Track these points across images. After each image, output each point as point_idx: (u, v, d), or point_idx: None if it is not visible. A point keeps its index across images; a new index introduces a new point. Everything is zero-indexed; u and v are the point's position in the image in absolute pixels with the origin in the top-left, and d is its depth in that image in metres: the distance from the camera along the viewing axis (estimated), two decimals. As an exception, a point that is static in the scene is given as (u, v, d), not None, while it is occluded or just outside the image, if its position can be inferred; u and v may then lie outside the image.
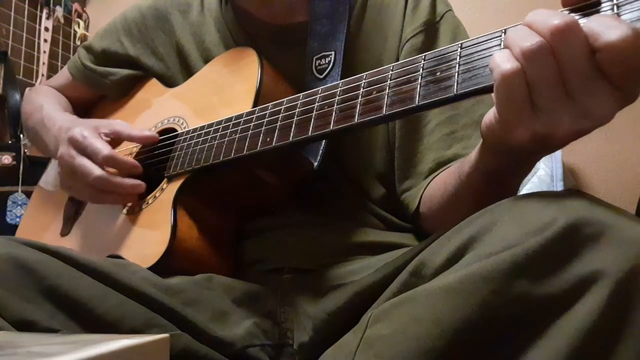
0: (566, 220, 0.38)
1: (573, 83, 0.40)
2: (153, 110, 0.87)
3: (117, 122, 0.79)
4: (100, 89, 0.96)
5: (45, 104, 0.92)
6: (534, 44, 0.40)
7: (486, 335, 0.38)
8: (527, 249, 0.38)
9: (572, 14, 0.43)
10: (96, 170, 0.72)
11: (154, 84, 0.90)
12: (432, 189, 0.70)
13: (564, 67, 0.40)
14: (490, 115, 0.48)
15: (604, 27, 0.39)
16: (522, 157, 0.52)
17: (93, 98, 0.99)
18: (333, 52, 0.75)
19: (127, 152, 0.85)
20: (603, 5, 0.42)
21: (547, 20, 0.40)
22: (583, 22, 0.41)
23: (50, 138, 0.85)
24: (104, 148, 0.73)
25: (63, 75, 1.00)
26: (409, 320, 0.41)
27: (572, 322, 0.36)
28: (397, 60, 0.74)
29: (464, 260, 0.42)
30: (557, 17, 0.40)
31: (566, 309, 0.37)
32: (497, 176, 0.55)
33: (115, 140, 0.78)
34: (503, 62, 0.42)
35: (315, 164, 0.71)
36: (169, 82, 0.88)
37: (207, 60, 0.82)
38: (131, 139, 0.79)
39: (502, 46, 0.46)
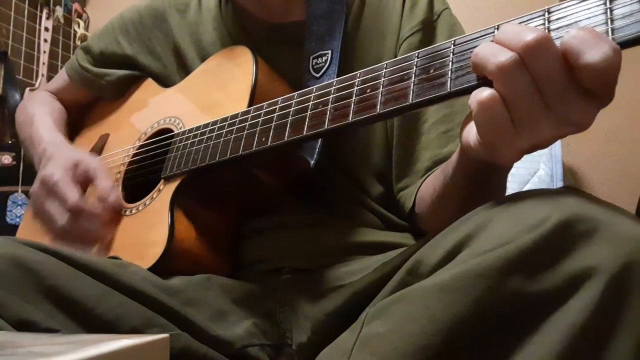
0: (559, 217, 0.39)
1: (550, 95, 0.41)
2: (149, 111, 0.87)
3: (93, 164, 0.76)
4: (97, 90, 0.96)
5: (37, 116, 0.92)
6: (508, 59, 0.40)
7: (481, 331, 0.39)
8: (521, 246, 0.39)
9: (563, 4, 0.43)
10: (61, 220, 0.70)
11: (150, 84, 0.90)
12: (423, 190, 0.70)
13: (539, 81, 0.40)
14: (472, 137, 0.47)
15: (584, 47, 0.39)
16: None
17: (91, 99, 0.99)
18: (330, 51, 0.75)
19: (123, 154, 0.85)
20: None
21: (518, 37, 0.41)
22: (560, 34, 0.41)
23: (36, 156, 0.85)
24: (72, 196, 0.71)
25: (61, 76, 1.01)
26: (404, 318, 0.42)
27: (566, 318, 0.36)
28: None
29: (459, 257, 0.42)
30: (527, 32, 0.41)
31: (560, 305, 0.37)
32: (480, 177, 0.55)
33: (88, 179, 0.76)
34: (478, 91, 0.43)
35: (312, 162, 0.71)
36: (166, 82, 0.88)
37: (204, 59, 0.82)
38: (97, 185, 0.75)
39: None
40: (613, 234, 0.38)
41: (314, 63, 0.75)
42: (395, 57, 0.75)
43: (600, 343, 0.36)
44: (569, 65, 0.40)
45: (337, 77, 0.71)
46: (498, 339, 0.38)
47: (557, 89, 0.40)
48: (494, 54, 0.42)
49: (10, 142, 1.97)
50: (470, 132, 0.47)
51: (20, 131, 0.95)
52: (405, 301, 0.43)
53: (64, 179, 0.73)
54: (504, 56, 0.41)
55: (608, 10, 0.42)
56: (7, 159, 1.88)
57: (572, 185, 1.70)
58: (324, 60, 0.74)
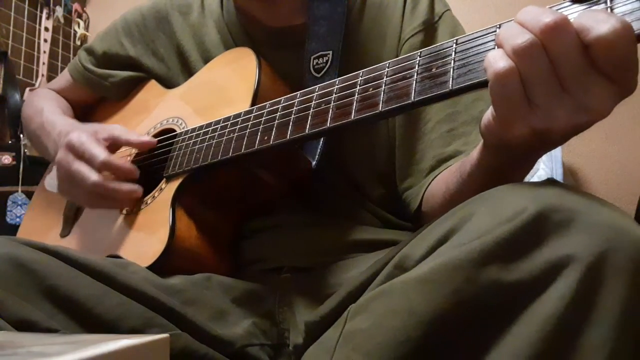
0: (536, 208, 0.39)
1: (567, 78, 0.41)
2: (152, 112, 0.87)
3: (115, 127, 0.79)
4: (101, 91, 0.96)
5: (46, 107, 0.92)
6: (525, 41, 0.41)
7: (460, 323, 0.39)
8: (497, 237, 0.39)
9: (563, 11, 0.44)
10: (93, 176, 0.71)
11: (153, 85, 0.91)
12: (433, 188, 0.70)
13: (556, 63, 0.41)
14: (488, 114, 0.48)
15: (593, 22, 0.39)
16: (523, 155, 0.52)
17: (93, 100, 1.00)
18: (331, 52, 0.75)
19: (126, 153, 0.85)
20: None
21: (537, 18, 0.41)
22: (574, 17, 0.41)
23: (50, 142, 0.85)
24: (100, 154, 0.72)
25: (64, 77, 1.01)
26: (385, 312, 0.42)
27: (544, 307, 0.36)
28: None
29: (439, 251, 0.43)
30: (547, 14, 0.41)
31: (538, 294, 0.37)
32: (499, 174, 0.55)
33: (113, 144, 0.78)
34: (496, 60, 0.43)
35: (314, 163, 0.71)
36: (170, 83, 0.88)
37: (207, 61, 0.83)
38: (129, 144, 0.78)
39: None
40: (589, 222, 0.38)
41: (314, 63, 0.75)
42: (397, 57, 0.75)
43: (577, 331, 0.36)
44: (585, 46, 0.40)
45: (338, 77, 0.72)
46: (478, 330, 0.38)
47: (575, 71, 0.40)
48: (512, 36, 0.42)
49: (10, 142, 1.97)
50: (488, 112, 0.48)
51: (30, 122, 0.95)
52: (387, 295, 0.43)
53: (90, 138, 0.74)
54: (521, 38, 0.41)
55: (609, 9, 0.42)
56: (7, 159, 1.88)
57: (572, 184, 1.70)
58: (324, 60, 0.75)
